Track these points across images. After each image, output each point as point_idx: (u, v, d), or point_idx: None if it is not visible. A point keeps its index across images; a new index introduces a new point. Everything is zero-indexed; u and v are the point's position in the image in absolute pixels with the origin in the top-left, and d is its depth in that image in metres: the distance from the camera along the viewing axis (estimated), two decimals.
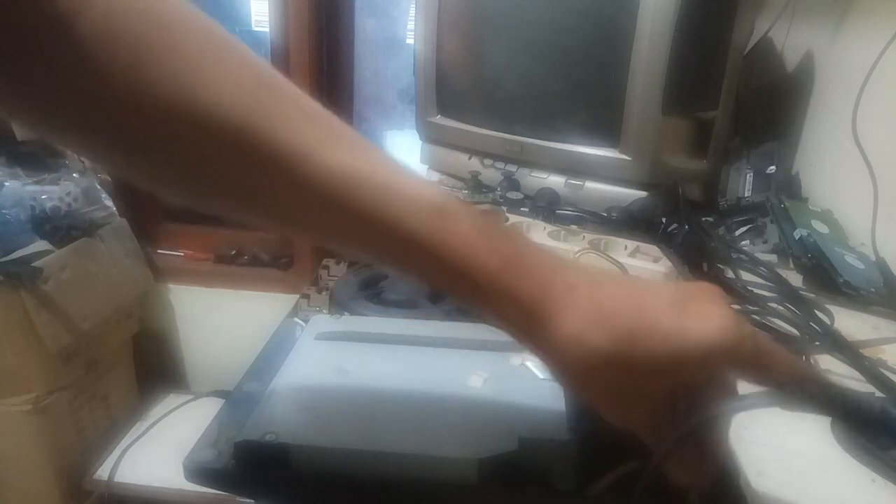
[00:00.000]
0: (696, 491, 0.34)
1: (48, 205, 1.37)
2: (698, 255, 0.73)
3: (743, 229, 0.89)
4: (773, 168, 0.93)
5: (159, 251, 1.77)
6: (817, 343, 0.57)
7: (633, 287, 0.32)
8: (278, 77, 0.33)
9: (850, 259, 0.74)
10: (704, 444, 0.32)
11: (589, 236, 0.76)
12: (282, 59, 1.63)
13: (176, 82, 0.29)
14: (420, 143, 1.15)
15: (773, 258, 0.81)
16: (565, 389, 0.34)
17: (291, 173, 0.30)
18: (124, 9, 0.29)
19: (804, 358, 0.53)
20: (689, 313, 0.31)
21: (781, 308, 0.64)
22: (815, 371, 0.34)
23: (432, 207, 0.31)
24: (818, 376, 0.35)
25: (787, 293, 0.68)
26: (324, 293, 0.60)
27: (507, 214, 0.83)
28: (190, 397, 1.61)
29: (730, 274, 0.73)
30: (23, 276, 1.25)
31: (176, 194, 0.34)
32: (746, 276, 0.73)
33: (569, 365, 0.31)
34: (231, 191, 0.33)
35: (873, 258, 0.75)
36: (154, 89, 0.29)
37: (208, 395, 1.59)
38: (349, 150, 0.32)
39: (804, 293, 0.69)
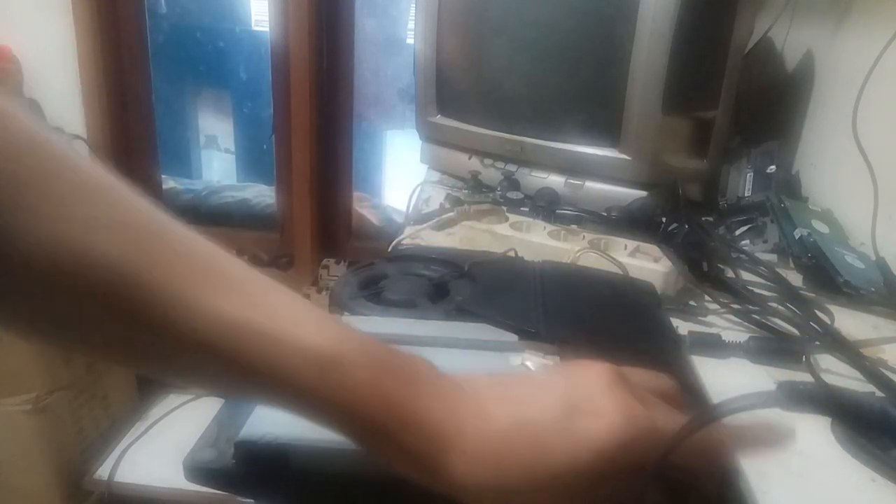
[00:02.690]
0: (700, 491, 0.34)
1: None
2: (698, 255, 0.73)
3: (743, 229, 0.89)
4: (773, 168, 0.93)
5: None
6: (817, 343, 0.57)
7: (522, 410, 0.32)
8: (160, 217, 0.31)
9: (850, 259, 0.74)
10: (706, 445, 0.32)
11: (589, 236, 0.76)
12: (282, 59, 1.63)
13: (44, 227, 0.27)
14: (420, 142, 1.15)
15: (773, 258, 0.81)
16: None
17: (169, 323, 0.28)
18: None
19: (804, 359, 0.53)
20: (578, 419, 0.31)
21: (781, 308, 0.64)
22: (725, 436, 0.33)
23: (321, 361, 0.30)
24: (725, 444, 0.33)
25: (787, 293, 0.68)
26: (324, 293, 0.60)
27: (508, 214, 0.83)
28: (190, 397, 1.61)
29: (730, 274, 0.73)
30: None
31: (41, 341, 0.31)
32: (746, 275, 0.73)
33: (472, 502, 0.31)
34: (106, 341, 0.30)
35: (873, 258, 0.75)
36: (17, 235, 0.26)
37: (208, 395, 1.58)
38: (236, 295, 0.30)
39: (804, 293, 0.69)
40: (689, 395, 0.46)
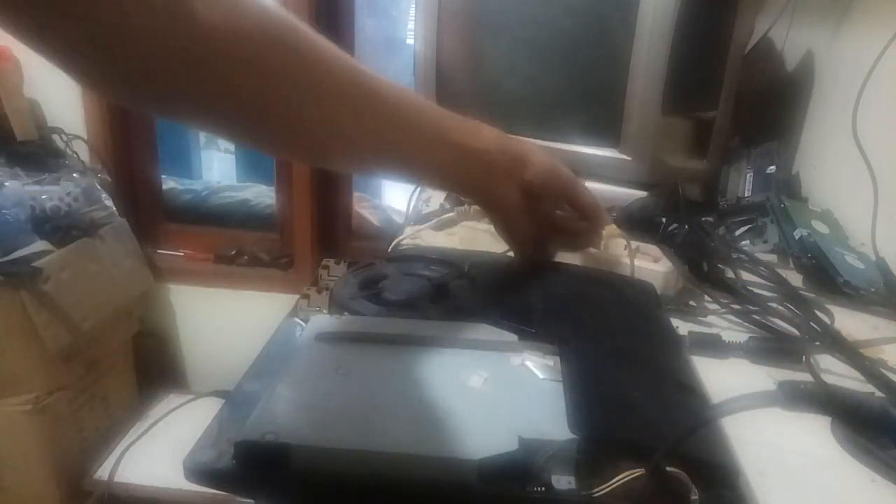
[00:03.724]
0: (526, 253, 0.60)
1: (48, 205, 1.37)
2: (698, 255, 0.73)
3: (743, 229, 0.89)
4: (773, 168, 0.93)
5: (159, 251, 1.77)
6: (817, 343, 0.57)
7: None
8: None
9: (850, 259, 0.74)
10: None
11: None
12: None
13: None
14: None
15: (773, 258, 0.81)
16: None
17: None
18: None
19: (804, 359, 0.53)
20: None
21: (781, 308, 0.64)
22: None
23: (434, 122, 0.57)
24: None
25: (787, 293, 0.68)
26: (324, 293, 0.60)
27: None
28: (190, 397, 1.61)
29: (730, 274, 0.73)
30: (23, 276, 1.25)
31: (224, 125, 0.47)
32: (746, 276, 0.73)
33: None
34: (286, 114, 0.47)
35: (873, 258, 0.75)
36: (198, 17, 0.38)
37: (208, 395, 1.59)
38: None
39: (804, 293, 0.69)
40: (688, 394, 0.47)
